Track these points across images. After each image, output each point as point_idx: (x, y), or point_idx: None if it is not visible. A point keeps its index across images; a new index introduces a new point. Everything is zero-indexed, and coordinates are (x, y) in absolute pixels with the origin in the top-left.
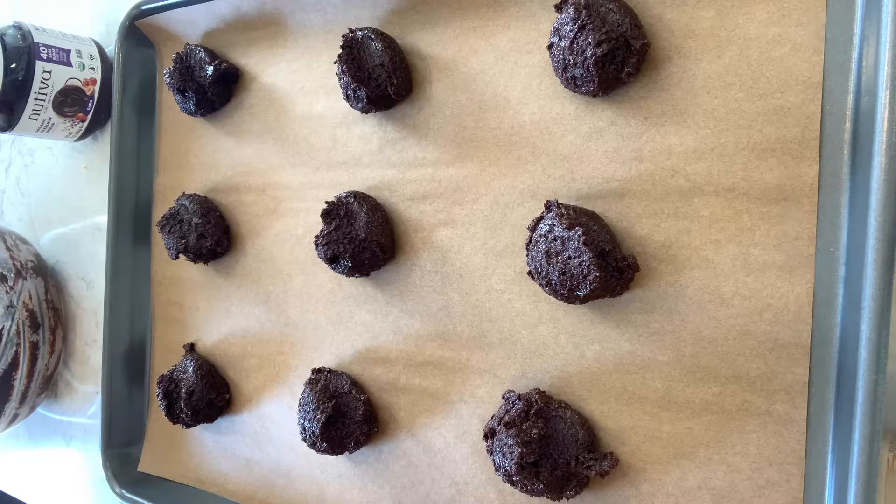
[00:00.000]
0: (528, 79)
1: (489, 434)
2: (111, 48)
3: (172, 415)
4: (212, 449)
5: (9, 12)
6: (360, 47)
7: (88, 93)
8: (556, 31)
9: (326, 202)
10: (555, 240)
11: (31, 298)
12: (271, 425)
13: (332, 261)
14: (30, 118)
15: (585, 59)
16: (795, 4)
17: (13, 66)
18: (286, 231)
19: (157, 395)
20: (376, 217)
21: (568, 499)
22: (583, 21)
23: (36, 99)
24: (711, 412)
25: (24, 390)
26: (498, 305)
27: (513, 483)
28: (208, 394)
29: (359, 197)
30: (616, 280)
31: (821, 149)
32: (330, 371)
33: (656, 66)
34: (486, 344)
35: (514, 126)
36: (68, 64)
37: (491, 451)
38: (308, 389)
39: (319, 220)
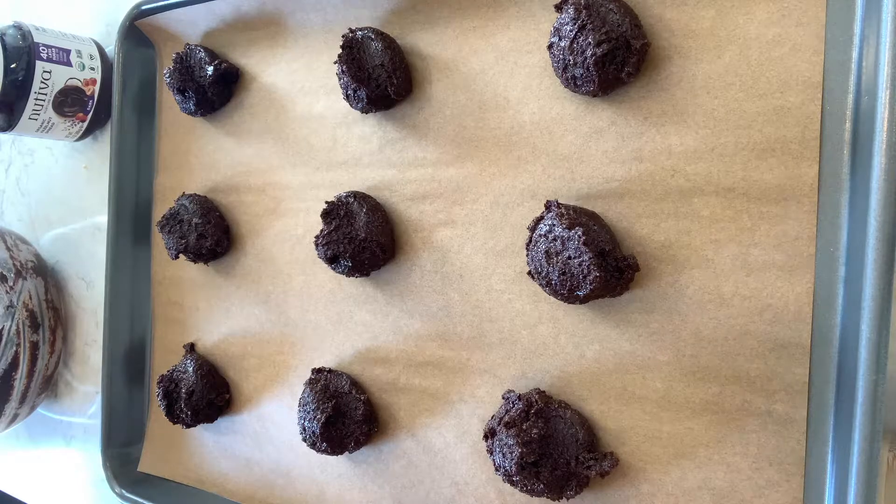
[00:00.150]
0: (528, 79)
1: (489, 434)
2: (111, 48)
3: (172, 415)
4: (212, 449)
5: (9, 12)
6: (360, 47)
7: (88, 93)
8: (556, 31)
9: (326, 202)
10: (555, 240)
11: (31, 298)
12: (271, 425)
13: (332, 261)
14: (30, 118)
15: (585, 59)
16: (795, 4)
17: (13, 66)
18: (286, 231)
19: (157, 395)
20: (376, 217)
21: (568, 499)
22: (583, 21)
23: (36, 99)
24: (711, 412)
25: (24, 390)
26: (498, 305)
27: (513, 483)
28: (208, 394)
29: (359, 197)
30: (616, 280)
31: (821, 149)
32: (330, 371)
33: (656, 66)
34: (486, 344)
35: (514, 126)
36: (68, 64)
37: (491, 451)
38: (308, 389)
39: (319, 220)
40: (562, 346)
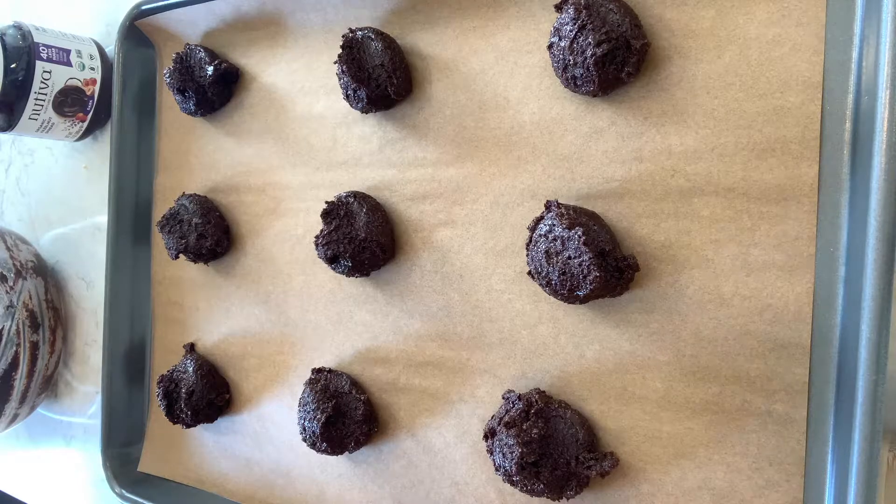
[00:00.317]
0: (528, 79)
1: (489, 434)
2: (111, 48)
3: (172, 415)
4: (212, 449)
5: (9, 12)
6: (360, 47)
7: (88, 93)
8: (556, 31)
9: (326, 202)
10: (555, 240)
11: (31, 298)
12: (271, 425)
13: (332, 261)
14: (30, 118)
15: (585, 59)
16: (795, 4)
17: (13, 66)
18: (286, 231)
19: (157, 395)
20: (376, 217)
21: (568, 499)
22: (583, 21)
23: (36, 99)
24: (711, 412)
25: (24, 390)
26: (498, 305)
27: (513, 483)
28: (208, 394)
29: (359, 197)
30: (616, 280)
31: (821, 149)
32: (330, 371)
33: (656, 66)
34: (486, 344)
35: (514, 126)
36: (68, 64)
37: (491, 451)
38: (308, 389)
39: (319, 220)
40: (562, 346)
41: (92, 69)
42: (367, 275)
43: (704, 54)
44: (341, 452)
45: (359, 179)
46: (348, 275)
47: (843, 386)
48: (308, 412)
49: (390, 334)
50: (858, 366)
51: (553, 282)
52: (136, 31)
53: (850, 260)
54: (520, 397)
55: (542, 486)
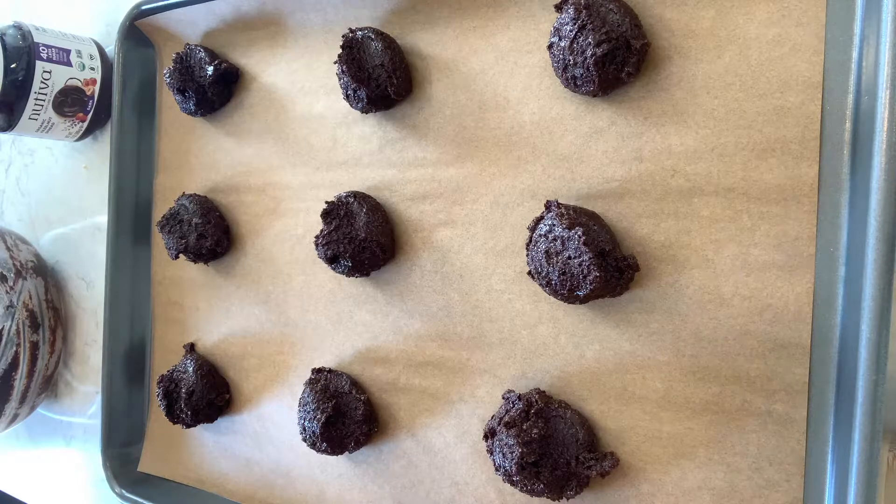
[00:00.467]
0: (528, 79)
1: (489, 434)
2: (111, 48)
3: (172, 415)
4: (212, 449)
5: (9, 12)
6: (360, 47)
7: (88, 93)
8: (556, 31)
9: (326, 202)
10: (555, 240)
11: (31, 298)
12: (271, 425)
13: (332, 261)
14: (30, 118)
15: (585, 59)
16: (795, 4)
17: (13, 66)
18: (286, 231)
19: (157, 395)
20: (376, 217)
21: (568, 499)
22: (583, 21)
23: (36, 99)
24: (711, 412)
25: (24, 390)
26: (498, 305)
27: (513, 483)
28: (208, 394)
29: (359, 197)
30: (616, 280)
31: (821, 149)
32: (330, 371)
33: (656, 66)
34: (486, 344)
35: (514, 126)
36: (68, 64)
37: (491, 451)
38: (308, 389)
39: (319, 220)
40: (562, 346)
41: (92, 69)
42: (367, 275)
43: (704, 54)
44: (341, 452)
45: (359, 179)
46: (348, 275)
47: (843, 386)
48: (308, 412)
49: (390, 334)
50: (858, 366)
51: (553, 282)
52: (136, 31)
53: (850, 260)
54: (520, 397)
55: (542, 486)
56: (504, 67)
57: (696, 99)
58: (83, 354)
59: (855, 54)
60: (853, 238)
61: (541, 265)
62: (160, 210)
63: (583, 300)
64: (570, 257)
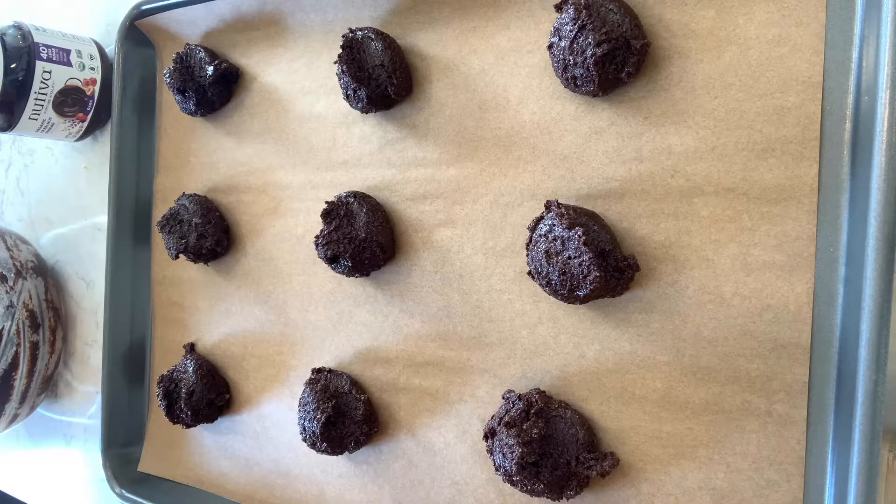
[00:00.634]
0: (528, 79)
1: (489, 434)
2: (111, 48)
3: (172, 415)
4: (212, 449)
5: (9, 12)
6: (360, 47)
7: (88, 93)
8: (556, 31)
9: (326, 202)
10: (555, 240)
11: (31, 298)
12: (271, 425)
13: (332, 261)
14: (30, 118)
15: (585, 59)
16: (795, 4)
17: (13, 66)
18: (286, 231)
19: (157, 395)
20: (376, 217)
21: (568, 499)
22: (583, 21)
23: (36, 99)
24: (711, 412)
25: (24, 390)
26: (498, 305)
27: (513, 483)
28: (208, 394)
29: (359, 197)
30: (616, 280)
31: (821, 149)
32: (330, 371)
33: (656, 66)
34: (486, 344)
35: (514, 126)
36: (68, 64)
37: (491, 451)
38: (308, 389)
39: (319, 220)
40: (562, 346)
41: (92, 69)
42: (367, 275)
43: (704, 54)
44: (341, 452)
45: (359, 179)
46: (348, 275)
47: (843, 386)
48: (308, 412)
49: (390, 334)
50: (858, 366)
51: (553, 282)
52: (136, 31)
53: (850, 260)
54: (520, 397)
55: (542, 486)
56: (504, 67)
57: (696, 99)
58: (83, 354)
59: (855, 54)
60: (853, 238)
61: (541, 265)
62: (160, 210)
63: (583, 300)
64: (570, 257)
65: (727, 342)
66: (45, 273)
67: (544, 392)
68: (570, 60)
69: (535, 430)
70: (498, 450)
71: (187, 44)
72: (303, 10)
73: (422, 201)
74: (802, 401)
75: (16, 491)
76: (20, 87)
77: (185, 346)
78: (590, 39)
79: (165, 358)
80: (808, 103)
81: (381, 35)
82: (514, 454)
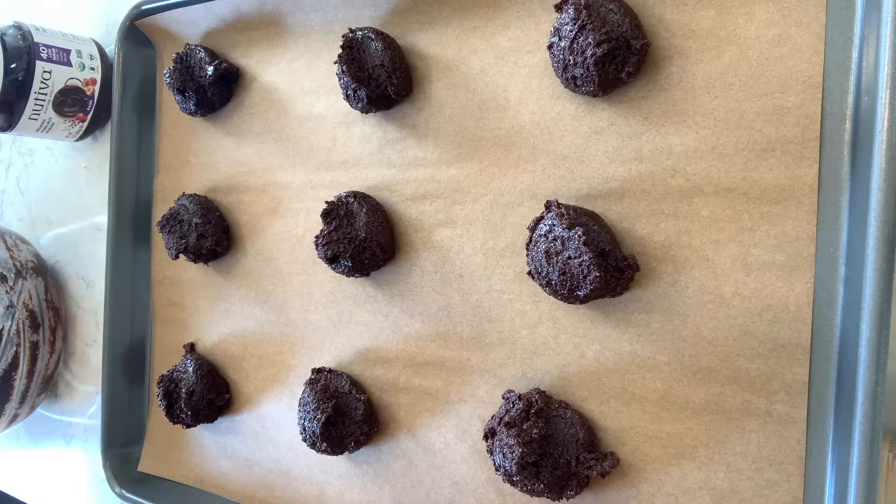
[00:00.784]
0: (528, 79)
1: (489, 434)
2: (111, 48)
3: (172, 415)
4: (212, 449)
5: (9, 12)
6: (360, 47)
7: (88, 93)
8: (556, 31)
9: (326, 202)
10: (555, 240)
11: (31, 298)
12: (271, 425)
13: (332, 261)
14: (30, 118)
15: (585, 59)
16: (795, 4)
17: (13, 66)
18: (286, 231)
19: (157, 395)
20: (376, 217)
21: (568, 499)
22: (583, 21)
23: (36, 99)
24: (711, 412)
25: (24, 390)
26: (498, 305)
27: (513, 483)
28: (208, 394)
29: (359, 197)
30: (616, 280)
31: (821, 149)
32: (330, 371)
33: (656, 66)
34: (486, 344)
35: (514, 126)
36: (68, 64)
37: (491, 451)
38: (308, 389)
39: (319, 220)
40: (562, 346)
41: (92, 69)
42: (367, 275)
43: (704, 54)
44: (341, 452)
45: (359, 179)
46: (348, 275)
47: (843, 386)
48: (308, 412)
49: (390, 334)
50: (858, 366)
51: (553, 282)
52: (136, 31)
53: (850, 260)
54: (520, 397)
55: (542, 486)
56: (504, 67)
57: (696, 99)
58: (83, 354)
59: (855, 54)
60: (853, 238)
61: (541, 265)
62: (160, 210)
63: (583, 300)
64: (570, 257)
65: (727, 342)
66: (45, 273)
67: (544, 392)
68: (570, 60)
69: (535, 430)
70: (498, 450)
71: (187, 44)
72: (303, 10)
73: (422, 201)
74: (802, 401)
75: (16, 491)
76: (20, 87)
77: (185, 346)
78: (590, 39)
79: (165, 358)
80: (808, 103)
81: (381, 35)
82: (514, 454)
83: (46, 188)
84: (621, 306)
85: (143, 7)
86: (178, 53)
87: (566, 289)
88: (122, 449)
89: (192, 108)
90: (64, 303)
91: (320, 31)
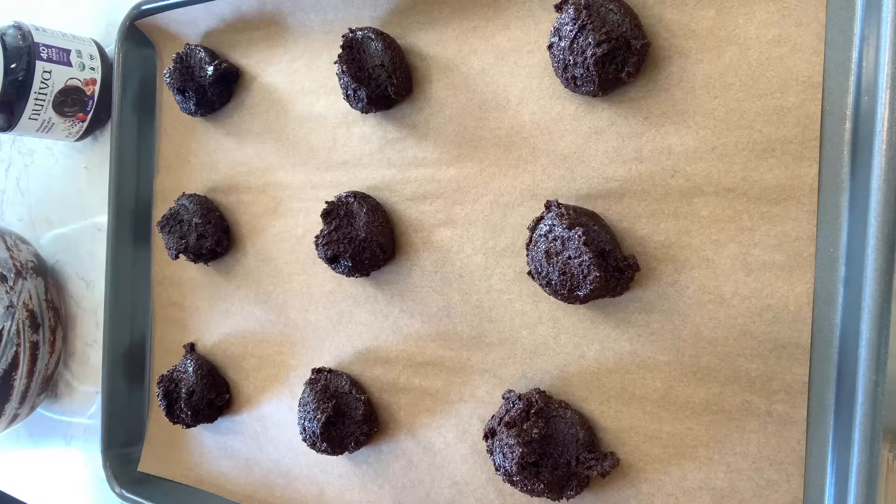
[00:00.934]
0: (528, 79)
1: (489, 434)
2: (111, 48)
3: (172, 415)
4: (212, 449)
5: (9, 12)
6: (360, 47)
7: (88, 93)
8: (556, 31)
9: (326, 202)
10: (555, 240)
11: (31, 298)
12: (271, 425)
13: (332, 261)
14: (30, 118)
15: (585, 59)
16: (795, 4)
17: (13, 66)
18: (286, 231)
19: (157, 395)
20: (376, 217)
21: (568, 499)
22: (583, 21)
23: (36, 99)
24: (711, 412)
25: (24, 390)
26: (498, 305)
27: (513, 483)
28: (208, 394)
29: (359, 197)
30: (616, 280)
31: (821, 149)
32: (330, 371)
33: (656, 66)
34: (486, 344)
35: (514, 126)
36: (68, 64)
37: (491, 451)
38: (308, 389)
39: (319, 220)
40: (562, 346)
41: (92, 69)
42: (367, 275)
43: (704, 54)
44: (341, 452)
45: (359, 179)
46: (348, 275)
47: (843, 386)
48: (308, 412)
49: (390, 334)
50: (858, 366)
51: (553, 282)
52: (136, 31)
53: (850, 260)
54: (520, 397)
55: (542, 486)
56: (504, 67)
57: (696, 99)
58: (83, 354)
59: (855, 54)
60: (853, 238)
61: (541, 265)
62: (160, 210)
63: (583, 300)
64: (570, 257)
65: (727, 342)
66: (45, 273)
67: (544, 392)
68: (570, 60)
69: (535, 430)
70: (498, 450)
71: (187, 44)
72: (303, 10)
73: (422, 201)
74: (802, 401)
75: (16, 491)
76: (20, 87)
77: (185, 346)
78: (590, 39)
79: (165, 358)
80: (808, 103)
81: (381, 35)
82: (515, 454)
83: (46, 188)
84: (621, 306)
85: (143, 7)
86: (178, 53)
87: (566, 289)
88: (122, 449)
89: (192, 108)
90: (64, 303)
91: (320, 31)
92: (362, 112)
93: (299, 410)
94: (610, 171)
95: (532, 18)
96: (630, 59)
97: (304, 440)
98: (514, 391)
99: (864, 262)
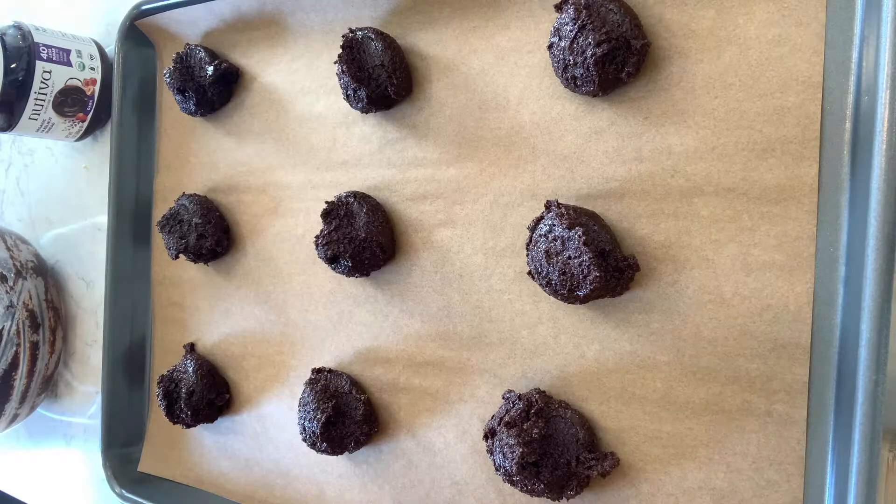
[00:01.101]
0: (528, 79)
1: (489, 434)
2: (111, 48)
3: (172, 415)
4: (212, 449)
5: (9, 12)
6: (360, 47)
7: (88, 93)
8: (556, 31)
9: (326, 202)
10: (555, 240)
11: (31, 298)
12: (271, 425)
13: (332, 261)
14: (30, 118)
15: (585, 59)
16: (795, 4)
17: (13, 66)
18: (286, 231)
19: (157, 395)
20: (376, 217)
21: (568, 499)
22: (583, 21)
23: (36, 99)
24: (711, 412)
25: (24, 390)
26: (498, 305)
27: (513, 483)
28: (208, 394)
29: (359, 197)
30: (616, 280)
31: (821, 149)
32: (330, 371)
33: (656, 66)
34: (486, 344)
35: (514, 126)
36: (68, 64)
37: (491, 451)
38: (308, 389)
39: (319, 220)
40: (562, 346)
41: (92, 69)
42: (367, 275)
43: (704, 54)
44: (341, 452)
45: (359, 179)
46: (348, 275)
47: (843, 386)
48: (308, 412)
49: (390, 334)
50: (858, 366)
51: (553, 282)
52: (136, 31)
53: (850, 260)
54: (520, 397)
55: (542, 486)
56: (504, 67)
57: (696, 99)
58: (83, 354)
59: (855, 54)
60: (853, 238)
61: (541, 265)
62: (160, 210)
63: (583, 300)
64: (570, 257)
65: (727, 342)
66: (45, 273)
67: (544, 392)
68: (570, 60)
69: (535, 430)
70: (498, 450)
71: (187, 44)
72: (303, 10)
73: (422, 201)
74: (802, 401)
75: (16, 491)
76: (20, 87)
77: (185, 346)
78: (590, 39)
79: (165, 358)
80: (808, 103)
81: (381, 35)
82: (515, 454)
83: (46, 188)
84: (621, 306)
85: (143, 7)
86: (178, 53)
87: (566, 289)
88: (122, 449)
89: (192, 108)
90: (64, 303)
91: (320, 31)
92: (362, 112)
93: (299, 410)
94: (610, 171)
95: (532, 18)
96: (630, 59)
97: (304, 440)
98: (514, 391)
99: (864, 262)
